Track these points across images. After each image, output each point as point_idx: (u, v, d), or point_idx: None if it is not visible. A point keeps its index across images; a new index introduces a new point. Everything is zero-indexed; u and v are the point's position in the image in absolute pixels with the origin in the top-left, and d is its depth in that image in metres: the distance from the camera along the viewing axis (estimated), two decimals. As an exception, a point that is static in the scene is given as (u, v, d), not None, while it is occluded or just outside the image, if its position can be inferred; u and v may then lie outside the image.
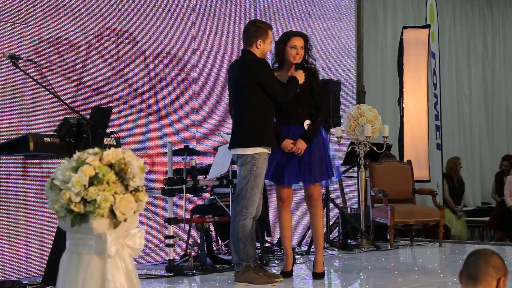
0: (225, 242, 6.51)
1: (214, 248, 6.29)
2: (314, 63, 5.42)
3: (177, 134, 7.12)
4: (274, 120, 5.29)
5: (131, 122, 6.76)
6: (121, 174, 2.53)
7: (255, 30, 5.13)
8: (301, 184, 5.36)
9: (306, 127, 5.29)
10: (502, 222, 10.02)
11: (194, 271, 5.61)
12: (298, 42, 5.30)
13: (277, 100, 5.13)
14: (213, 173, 5.98)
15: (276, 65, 5.40)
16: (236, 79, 5.15)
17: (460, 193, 10.33)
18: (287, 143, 5.23)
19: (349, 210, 8.16)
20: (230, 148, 5.17)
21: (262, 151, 5.04)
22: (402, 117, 9.15)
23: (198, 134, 7.33)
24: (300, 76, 5.23)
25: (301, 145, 5.23)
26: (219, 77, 7.53)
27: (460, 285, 2.44)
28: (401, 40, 9.24)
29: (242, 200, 5.04)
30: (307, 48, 5.34)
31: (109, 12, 6.64)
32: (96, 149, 2.57)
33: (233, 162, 5.62)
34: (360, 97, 9.43)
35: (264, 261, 5.88)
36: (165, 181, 5.83)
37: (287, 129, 5.29)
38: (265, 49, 5.14)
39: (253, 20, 5.33)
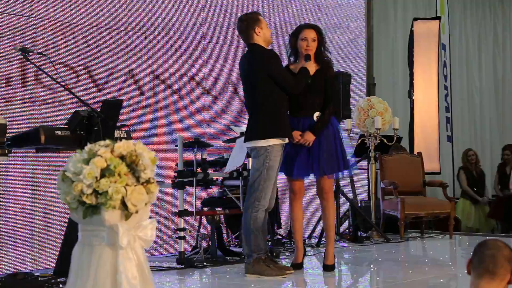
0: (235, 234, 6.53)
1: (225, 241, 6.31)
2: (329, 55, 5.42)
3: (187, 127, 7.13)
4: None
5: (141, 115, 6.78)
6: (133, 166, 2.53)
7: (247, 23, 5.12)
8: (313, 176, 5.36)
9: (315, 119, 5.28)
10: (505, 213, 10.04)
11: (205, 263, 5.63)
12: (309, 34, 5.30)
13: (288, 91, 5.13)
14: (230, 166, 5.97)
15: (292, 59, 5.41)
16: (247, 73, 5.16)
17: (481, 184, 10.26)
18: (295, 135, 5.23)
19: (359, 203, 8.16)
20: (245, 141, 5.17)
21: (275, 142, 5.04)
22: (412, 109, 9.12)
23: (209, 125, 7.34)
24: (311, 67, 5.23)
25: (309, 137, 5.22)
26: (229, 70, 7.53)
27: (470, 275, 2.44)
28: (412, 32, 9.20)
29: (254, 192, 5.04)
30: (320, 40, 5.34)
31: (119, 5, 6.64)
32: (108, 141, 2.57)
33: (248, 155, 5.62)
34: (370, 89, 9.41)
35: (274, 253, 5.89)
36: (175, 174, 5.84)
37: (297, 120, 5.29)
38: (266, 34, 5.13)
39: (239, 17, 5.24)
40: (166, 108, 6.99)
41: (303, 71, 5.21)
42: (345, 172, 5.52)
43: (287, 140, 5.14)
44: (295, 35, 5.35)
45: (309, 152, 5.26)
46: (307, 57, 5.28)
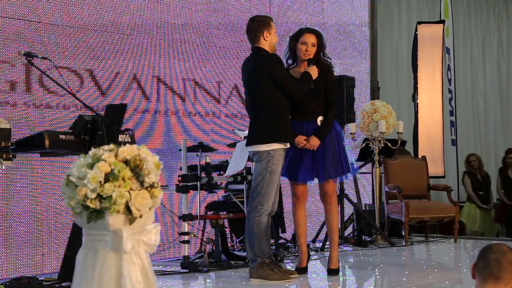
0: (239, 239, 6.52)
1: (229, 245, 6.30)
2: (329, 60, 5.41)
3: (191, 131, 7.13)
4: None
5: (145, 119, 6.79)
6: (137, 170, 2.53)
7: (257, 25, 5.12)
8: (316, 180, 5.36)
9: (319, 123, 5.28)
10: (509, 217, 10.02)
11: (209, 268, 5.63)
12: (309, 38, 5.29)
13: (291, 95, 5.13)
14: (230, 170, 5.97)
15: (290, 61, 5.40)
16: (250, 76, 5.15)
17: (486, 188, 10.21)
18: (300, 140, 5.23)
19: (363, 206, 8.15)
20: (247, 145, 5.17)
21: (277, 147, 5.04)
22: (416, 113, 9.12)
23: (213, 130, 7.34)
24: (314, 72, 5.23)
25: (314, 141, 5.22)
26: (233, 74, 7.53)
27: (474, 279, 2.43)
28: (416, 36, 9.20)
29: (257, 197, 5.04)
30: (320, 45, 5.33)
31: (123, 9, 6.66)
32: (112, 146, 2.57)
33: (249, 159, 5.62)
34: (374, 93, 9.40)
35: (278, 258, 5.89)
36: (179, 178, 5.84)
37: (300, 125, 5.28)
38: (272, 40, 5.13)
39: (252, 17, 5.28)
40: (170, 112, 6.99)
41: (306, 76, 5.20)
42: (348, 175, 5.52)
43: (288, 145, 5.14)
44: (296, 38, 5.35)
45: (314, 156, 5.26)
46: (310, 61, 5.27)
